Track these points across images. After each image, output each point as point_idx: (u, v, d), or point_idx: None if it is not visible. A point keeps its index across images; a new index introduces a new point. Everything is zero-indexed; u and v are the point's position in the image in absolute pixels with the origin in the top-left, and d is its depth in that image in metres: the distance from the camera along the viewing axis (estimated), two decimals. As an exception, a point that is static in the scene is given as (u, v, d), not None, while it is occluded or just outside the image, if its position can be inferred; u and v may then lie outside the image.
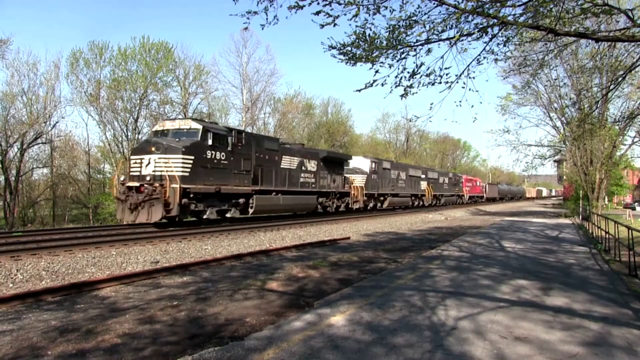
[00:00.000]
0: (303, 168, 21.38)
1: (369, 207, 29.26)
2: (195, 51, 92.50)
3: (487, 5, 6.80)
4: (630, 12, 7.56)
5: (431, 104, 8.09)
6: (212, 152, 15.43)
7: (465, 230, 20.08)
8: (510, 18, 7.02)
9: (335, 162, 24.52)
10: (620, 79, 12.09)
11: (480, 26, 7.26)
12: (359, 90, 8.03)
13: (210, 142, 15.31)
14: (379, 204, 30.90)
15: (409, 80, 7.82)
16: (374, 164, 29.22)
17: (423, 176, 39.01)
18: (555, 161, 37.23)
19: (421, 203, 38.62)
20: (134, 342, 4.87)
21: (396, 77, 7.81)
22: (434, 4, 7.01)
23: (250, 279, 8.37)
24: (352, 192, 26.18)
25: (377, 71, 7.58)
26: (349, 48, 7.57)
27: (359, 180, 27.29)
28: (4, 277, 7.96)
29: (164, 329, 5.38)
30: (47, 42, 69.28)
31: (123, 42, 60.21)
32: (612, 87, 14.19)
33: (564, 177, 44.65)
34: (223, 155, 15.88)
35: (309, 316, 5.77)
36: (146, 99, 34.06)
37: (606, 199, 40.45)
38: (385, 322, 5.48)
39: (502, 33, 7.59)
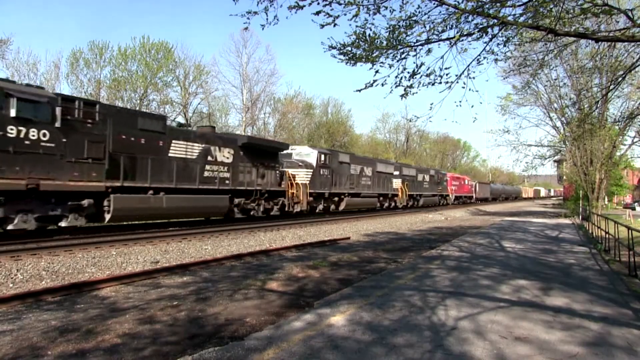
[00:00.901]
0: (209, 158, 16.27)
1: (317, 210, 24.04)
2: (195, 51, 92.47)
3: (487, 6, 6.81)
4: (630, 12, 7.57)
5: (431, 104, 8.11)
6: (18, 127, 10.65)
7: (465, 230, 20.08)
8: (510, 18, 7.03)
9: (264, 152, 19.17)
10: (620, 79, 12.09)
11: (481, 26, 7.27)
12: (359, 90, 8.04)
13: (12, 111, 10.53)
14: (332, 206, 25.30)
15: (409, 80, 7.83)
16: (323, 156, 23.85)
17: (396, 173, 33.49)
18: (555, 161, 37.23)
19: (393, 204, 33.29)
20: (134, 342, 4.87)
21: (396, 77, 7.83)
22: (434, 4, 7.02)
23: (250, 279, 8.37)
24: (291, 191, 20.59)
25: (377, 71, 7.60)
26: (349, 48, 7.58)
27: (302, 176, 21.77)
28: (4, 277, 7.96)
29: (164, 329, 5.38)
30: (47, 42, 69.34)
31: (123, 42, 60.25)
32: (612, 87, 14.18)
33: (564, 177, 44.63)
34: (44, 135, 11.13)
35: (309, 316, 5.77)
36: (146, 99, 34.07)
37: (606, 199, 40.45)
38: (385, 322, 5.49)
39: (502, 33, 7.60)
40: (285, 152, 21.38)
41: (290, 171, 21.16)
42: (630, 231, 10.21)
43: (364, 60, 7.57)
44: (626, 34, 7.79)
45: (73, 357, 4.45)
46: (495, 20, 6.95)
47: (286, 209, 20.31)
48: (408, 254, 12.33)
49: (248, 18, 6.70)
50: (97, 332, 5.12)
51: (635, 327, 5.52)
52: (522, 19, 7.21)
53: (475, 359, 4.36)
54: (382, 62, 7.63)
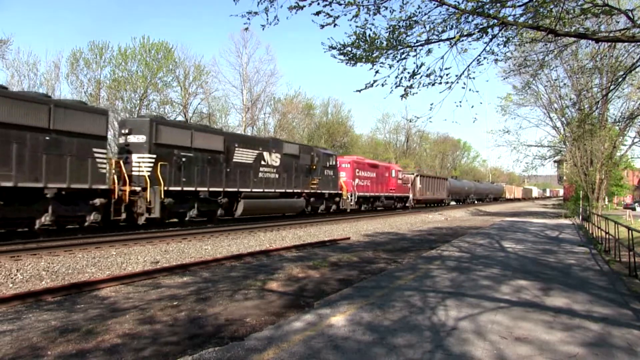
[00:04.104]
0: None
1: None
2: (195, 51, 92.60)
3: (488, 6, 6.81)
4: (631, 13, 7.57)
5: (431, 104, 8.09)
6: None
7: (465, 231, 20.07)
8: (510, 18, 7.03)
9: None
10: (620, 79, 12.11)
11: (481, 27, 7.27)
12: (359, 91, 8.03)
13: None
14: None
15: (409, 80, 7.82)
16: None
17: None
18: (555, 161, 37.25)
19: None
20: (134, 342, 4.86)
21: (396, 77, 7.81)
22: (434, 4, 7.02)
23: (251, 279, 8.36)
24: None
25: (377, 71, 7.59)
26: (349, 48, 7.58)
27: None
28: (4, 277, 7.95)
29: (164, 329, 5.38)
30: (47, 42, 69.39)
31: (123, 42, 60.29)
32: (612, 87, 14.21)
33: (564, 178, 44.63)
34: None
35: (309, 316, 5.77)
36: (146, 99, 34.10)
37: (606, 200, 40.47)
38: (385, 323, 5.48)
39: (502, 33, 7.60)
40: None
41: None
42: (630, 231, 10.20)
43: (364, 60, 7.56)
44: (626, 34, 7.79)
45: (73, 357, 4.45)
46: (496, 21, 6.95)
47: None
48: (408, 254, 12.33)
49: (248, 18, 6.71)
50: (97, 332, 5.11)
51: (636, 327, 5.52)
52: (522, 19, 7.21)
53: (475, 359, 4.36)
54: (382, 63, 7.62)
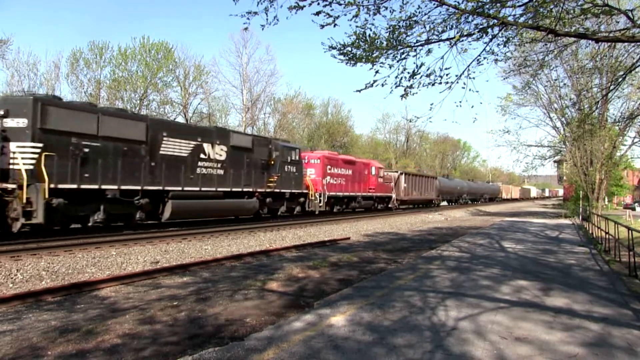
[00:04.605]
0: None
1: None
2: (195, 51, 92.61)
3: (488, 6, 6.81)
4: (630, 13, 7.57)
5: (431, 104, 8.10)
6: None
7: (465, 231, 20.08)
8: (510, 18, 7.03)
9: None
10: (620, 79, 12.12)
11: (481, 27, 7.27)
12: (359, 91, 8.03)
13: None
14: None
15: (409, 80, 7.83)
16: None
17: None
18: (555, 162, 37.25)
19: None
20: (134, 343, 4.86)
21: (396, 77, 7.82)
22: (434, 4, 7.02)
23: (251, 279, 8.37)
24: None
25: (377, 71, 7.59)
26: (349, 48, 7.58)
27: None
28: (4, 277, 7.96)
29: (164, 329, 5.38)
30: (47, 42, 69.45)
31: (123, 42, 60.30)
32: (612, 87, 14.22)
33: (564, 178, 44.64)
34: None
35: (309, 316, 5.77)
36: (146, 99, 34.14)
37: (606, 200, 40.47)
38: (385, 323, 5.48)
39: (502, 33, 7.60)
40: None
41: None
42: (630, 231, 10.21)
43: (364, 60, 7.57)
44: (626, 34, 7.79)
45: (73, 357, 4.45)
46: (496, 21, 6.96)
47: None
48: (408, 254, 12.33)
49: (248, 18, 6.71)
50: (97, 333, 5.11)
51: (636, 327, 5.52)
52: (522, 19, 7.21)
53: (475, 359, 4.36)
54: (382, 63, 7.63)
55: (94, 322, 5.51)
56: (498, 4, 6.82)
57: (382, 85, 7.75)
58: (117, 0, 73.95)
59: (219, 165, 16.91)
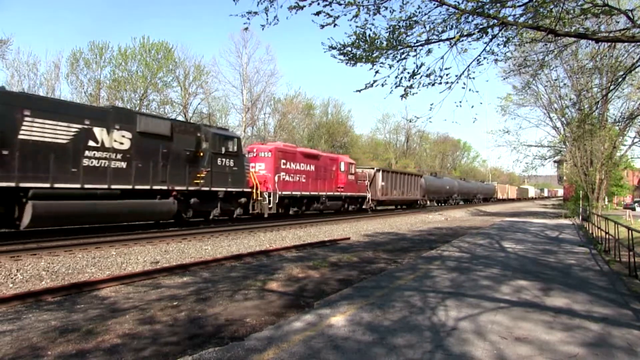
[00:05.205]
0: None
1: None
2: (195, 51, 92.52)
3: (488, 6, 6.81)
4: (630, 13, 7.57)
5: (431, 104, 8.10)
6: None
7: (465, 231, 20.07)
8: (510, 19, 7.04)
9: None
10: (620, 79, 12.10)
11: (481, 27, 7.27)
12: (359, 91, 8.04)
13: None
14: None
15: (409, 80, 7.84)
16: None
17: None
18: (555, 162, 37.27)
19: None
20: (134, 343, 4.86)
21: (396, 77, 7.83)
22: (434, 4, 7.03)
23: (250, 279, 8.36)
24: None
25: (377, 71, 7.60)
26: (349, 48, 7.59)
27: None
28: (4, 277, 7.96)
29: (164, 329, 5.38)
30: (47, 42, 69.47)
31: (123, 42, 60.33)
32: (612, 87, 14.20)
33: (564, 178, 44.63)
34: None
35: (309, 316, 5.77)
36: (146, 99, 34.13)
37: (606, 200, 40.48)
38: (385, 323, 5.48)
39: (502, 33, 7.60)
40: None
41: None
42: (630, 232, 10.20)
43: (364, 60, 7.57)
44: (626, 34, 7.79)
45: (73, 357, 4.45)
46: (496, 21, 6.96)
47: None
48: (408, 254, 12.33)
49: (248, 18, 6.72)
50: (97, 333, 5.11)
51: (636, 327, 5.52)
52: (522, 19, 7.21)
53: (475, 359, 4.36)
54: (382, 63, 7.63)
55: (94, 322, 5.51)
56: (498, 4, 6.82)
57: (382, 85, 7.76)
58: (117, 1, 73.98)
59: (119, 157, 13.19)
